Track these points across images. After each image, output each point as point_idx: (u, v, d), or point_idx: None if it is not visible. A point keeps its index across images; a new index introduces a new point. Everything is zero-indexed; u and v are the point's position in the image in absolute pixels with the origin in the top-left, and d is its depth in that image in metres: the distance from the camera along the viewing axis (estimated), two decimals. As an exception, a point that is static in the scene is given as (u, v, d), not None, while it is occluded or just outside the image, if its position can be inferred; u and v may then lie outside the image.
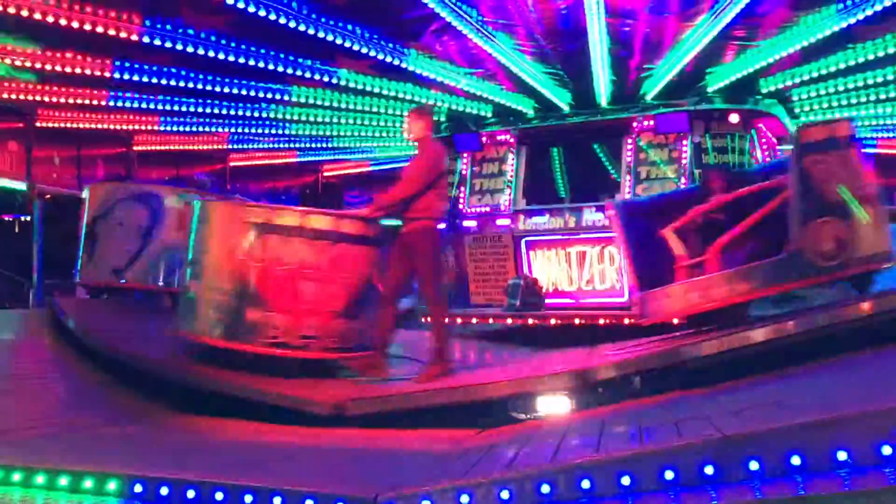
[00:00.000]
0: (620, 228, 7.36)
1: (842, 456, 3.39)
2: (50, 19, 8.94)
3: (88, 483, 4.23)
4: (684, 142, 11.45)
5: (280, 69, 10.77)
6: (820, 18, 9.57)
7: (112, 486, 4.19)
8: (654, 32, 10.04)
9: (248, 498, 3.92)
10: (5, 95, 12.04)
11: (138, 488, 4.14)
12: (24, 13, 8.77)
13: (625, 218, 7.37)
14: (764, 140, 12.36)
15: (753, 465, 3.49)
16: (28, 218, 17.06)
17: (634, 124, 11.73)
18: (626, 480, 3.60)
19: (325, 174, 20.51)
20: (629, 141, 11.75)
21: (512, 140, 12.56)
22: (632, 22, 9.73)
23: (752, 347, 5.55)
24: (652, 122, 11.58)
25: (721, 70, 11.06)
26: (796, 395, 4.50)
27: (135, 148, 17.25)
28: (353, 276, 6.93)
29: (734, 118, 11.43)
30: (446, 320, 7.05)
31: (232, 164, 18.53)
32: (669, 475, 3.56)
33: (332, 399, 6.06)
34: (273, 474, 4.25)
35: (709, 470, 3.53)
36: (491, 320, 11.67)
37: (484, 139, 12.70)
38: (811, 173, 6.09)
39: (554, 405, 5.76)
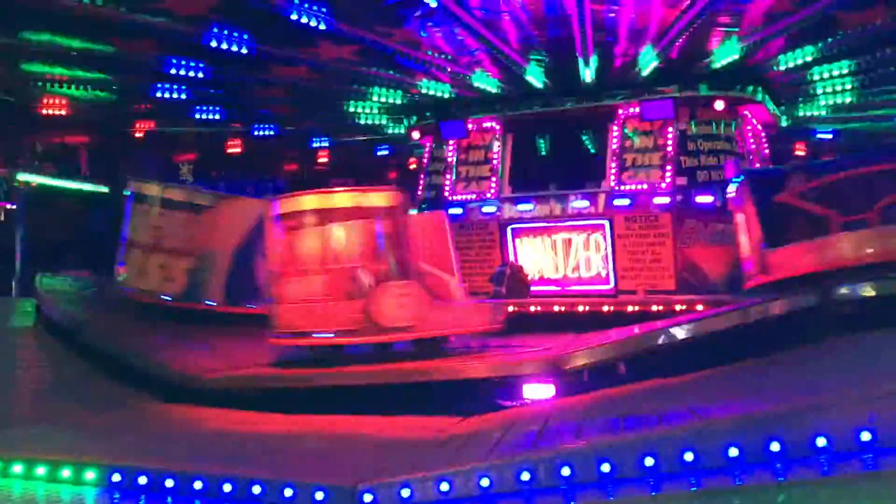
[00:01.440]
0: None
1: (821, 442, 3.40)
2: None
3: (66, 472, 4.20)
4: (669, 129, 11.43)
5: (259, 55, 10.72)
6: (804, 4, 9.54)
7: (90, 475, 4.16)
8: (639, 19, 9.99)
9: (227, 487, 3.90)
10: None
11: (116, 477, 4.11)
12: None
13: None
14: (749, 127, 12.36)
15: (733, 452, 3.49)
16: (12, 206, 16.97)
17: (620, 111, 11.70)
18: (605, 468, 3.60)
19: (320, 160, 20.01)
20: (615, 128, 11.73)
21: (498, 127, 12.51)
22: (617, 8, 9.67)
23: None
24: (637, 109, 11.55)
25: (706, 56, 11.03)
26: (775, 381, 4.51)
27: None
28: None
29: (719, 105, 11.40)
30: None
31: (230, 150, 18.12)
32: (649, 462, 3.57)
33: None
34: (253, 463, 4.22)
35: (689, 457, 3.53)
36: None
37: (470, 126, 12.64)
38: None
39: (538, 391, 5.77)
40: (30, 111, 13.72)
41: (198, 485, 3.95)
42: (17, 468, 4.32)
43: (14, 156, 16.32)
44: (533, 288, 11.49)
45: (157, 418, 6.17)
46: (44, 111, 13.60)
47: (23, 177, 16.13)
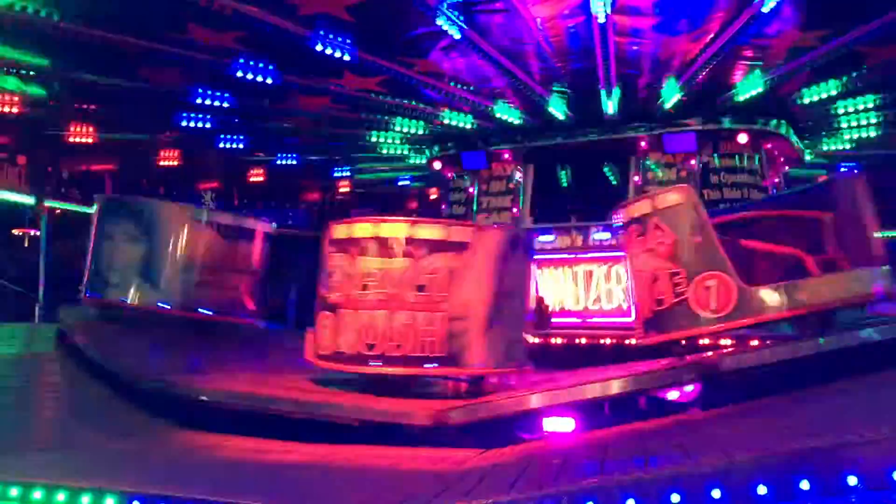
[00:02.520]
0: None
1: (852, 481, 3.32)
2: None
3: (86, 499, 4.18)
4: (692, 161, 11.39)
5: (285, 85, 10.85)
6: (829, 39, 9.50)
7: (109, 502, 4.13)
8: (662, 52, 10.00)
9: (246, 516, 3.86)
10: (14, 109, 12.06)
11: (136, 505, 4.09)
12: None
13: None
14: (773, 161, 12.31)
15: (761, 490, 3.41)
16: (37, 232, 17.16)
17: (642, 143, 11.70)
18: (630, 504, 3.53)
19: (341, 190, 19.99)
20: (637, 160, 11.72)
21: (519, 158, 12.54)
22: (640, 41, 9.70)
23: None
24: (660, 142, 11.54)
25: (730, 90, 11.01)
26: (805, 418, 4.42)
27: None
28: None
29: (743, 138, 11.38)
30: None
31: (252, 179, 18.18)
32: (675, 499, 3.49)
33: None
34: (272, 492, 4.19)
35: (716, 494, 3.45)
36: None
37: (491, 157, 12.68)
38: None
39: (558, 425, 5.70)
40: (57, 139, 13.93)
41: (216, 514, 3.92)
42: (37, 494, 4.30)
43: (40, 182, 16.53)
44: (553, 320, 11.42)
45: (177, 446, 6.14)
46: (70, 139, 13.81)
47: (48, 203, 16.32)
